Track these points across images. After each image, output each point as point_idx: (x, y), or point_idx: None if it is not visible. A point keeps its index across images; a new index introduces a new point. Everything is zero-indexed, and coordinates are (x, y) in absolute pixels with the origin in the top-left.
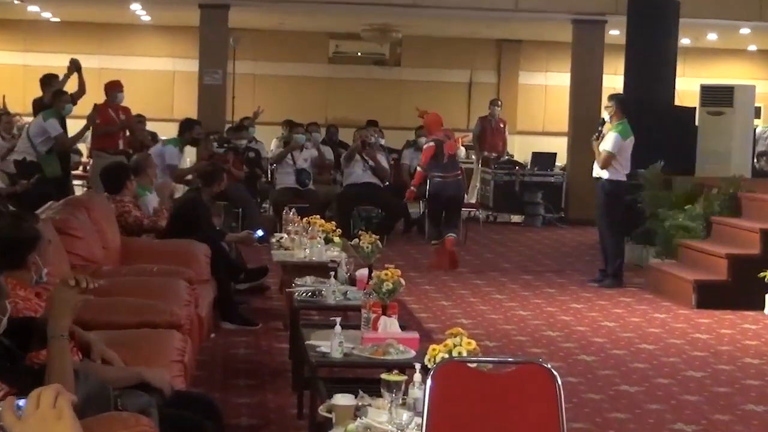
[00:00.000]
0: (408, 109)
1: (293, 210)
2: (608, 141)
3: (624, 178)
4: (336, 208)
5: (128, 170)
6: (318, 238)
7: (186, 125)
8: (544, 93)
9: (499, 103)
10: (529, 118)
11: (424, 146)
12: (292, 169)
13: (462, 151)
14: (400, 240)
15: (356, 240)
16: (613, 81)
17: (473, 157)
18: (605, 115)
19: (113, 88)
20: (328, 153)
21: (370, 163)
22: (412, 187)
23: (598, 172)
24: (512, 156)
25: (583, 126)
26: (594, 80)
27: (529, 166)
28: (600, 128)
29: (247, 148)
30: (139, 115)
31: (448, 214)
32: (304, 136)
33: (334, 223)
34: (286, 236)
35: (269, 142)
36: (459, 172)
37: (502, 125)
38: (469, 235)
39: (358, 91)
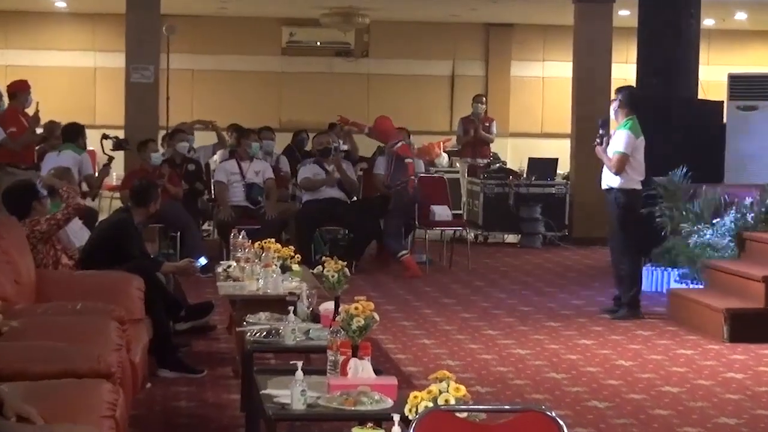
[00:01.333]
0: (378, 109)
1: (243, 233)
2: (619, 140)
3: (639, 186)
4: (294, 229)
5: (34, 189)
6: (273, 267)
7: (72, 131)
8: (542, 87)
9: (483, 99)
10: (525, 118)
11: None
12: (241, 183)
13: (444, 158)
14: (373, 266)
15: (319, 267)
16: (624, 71)
17: (457, 165)
18: (612, 112)
19: (20, 88)
20: (284, 164)
21: (335, 174)
22: None
23: (608, 181)
24: (504, 163)
25: (589, 126)
26: (601, 70)
27: (525, 175)
28: (601, 131)
29: (185, 160)
30: (52, 122)
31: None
32: (257, 144)
33: (292, 247)
34: (235, 264)
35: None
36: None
37: (488, 124)
38: (454, 260)
39: (318, 88)
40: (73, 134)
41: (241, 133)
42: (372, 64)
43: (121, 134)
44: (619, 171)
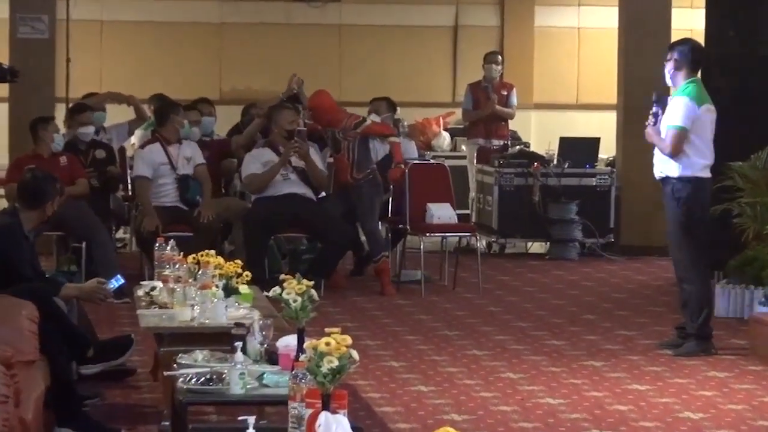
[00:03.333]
0: (354, 72)
1: (171, 242)
2: (675, 111)
3: (706, 174)
4: (243, 237)
5: None
6: (214, 288)
7: None
8: (577, 41)
9: (499, 59)
10: (554, 83)
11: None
12: (172, 177)
13: (445, 138)
14: (349, 287)
15: (276, 289)
16: (689, 19)
17: (464, 148)
18: (666, 75)
19: None
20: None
21: (296, 163)
22: None
23: (663, 167)
24: (527, 145)
25: (642, 94)
26: (658, 17)
27: (555, 162)
28: (654, 107)
29: (93, 144)
30: None
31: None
32: (190, 125)
33: (239, 262)
34: (161, 286)
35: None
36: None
37: (505, 92)
38: (459, 277)
39: (271, 44)
40: None
41: (166, 108)
42: (345, 11)
43: (3, 110)
44: (675, 153)
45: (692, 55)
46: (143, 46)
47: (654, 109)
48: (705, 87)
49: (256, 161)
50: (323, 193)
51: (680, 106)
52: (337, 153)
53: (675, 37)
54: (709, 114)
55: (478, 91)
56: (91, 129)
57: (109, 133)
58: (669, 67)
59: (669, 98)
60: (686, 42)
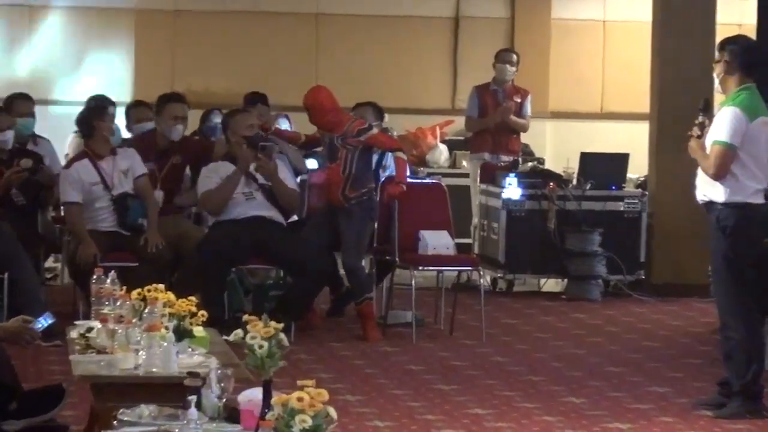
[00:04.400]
0: (332, 72)
1: (111, 274)
2: (722, 124)
3: (759, 200)
4: (197, 268)
5: None
6: (163, 330)
7: None
8: (602, 37)
9: (514, 58)
10: (574, 87)
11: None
12: (107, 198)
13: (443, 152)
14: (325, 330)
15: (238, 332)
16: (737, 11)
17: (465, 164)
18: (715, 79)
19: None
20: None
21: (263, 181)
22: None
23: (706, 190)
24: (541, 161)
25: (681, 102)
26: (700, 9)
27: (575, 182)
28: (700, 117)
29: (17, 152)
30: None
31: None
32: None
33: (193, 298)
34: (99, 327)
35: (62, 139)
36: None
37: (519, 99)
38: (458, 320)
39: (236, 38)
40: None
41: (88, 115)
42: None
43: None
44: (721, 174)
45: (745, 56)
46: (76, 35)
47: (700, 118)
48: (762, 95)
49: (214, 176)
50: (295, 217)
51: (728, 119)
52: (332, 162)
53: (721, 33)
54: (764, 129)
55: (486, 96)
56: (8, 135)
57: (43, 147)
58: (718, 70)
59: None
60: (738, 40)
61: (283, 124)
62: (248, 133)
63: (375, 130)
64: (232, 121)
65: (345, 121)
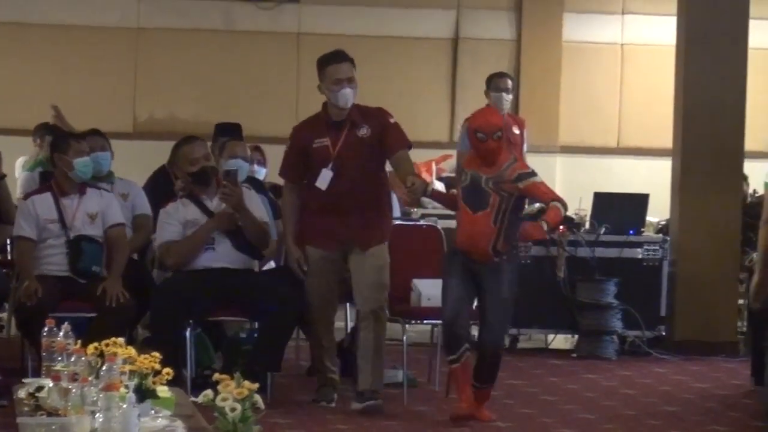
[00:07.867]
0: (316, 98)
1: (65, 325)
2: None
3: None
4: (156, 320)
5: None
6: (122, 390)
7: None
8: (620, 61)
9: (509, 83)
10: (588, 119)
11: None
12: (62, 239)
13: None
14: (305, 389)
15: (208, 393)
16: None
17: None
18: None
19: None
20: (141, 203)
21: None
22: None
23: None
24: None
25: (708, 136)
26: (729, 30)
27: (587, 225)
28: None
29: None
30: None
31: None
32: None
33: (156, 354)
34: (50, 385)
35: (11, 165)
36: None
37: (517, 131)
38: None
39: (206, 60)
40: None
41: (55, 145)
42: (306, 14)
43: None
44: None
45: None
46: (33, 60)
47: None
48: None
49: (173, 221)
50: (272, 264)
51: None
52: (471, 205)
53: (752, 57)
54: None
55: None
56: None
57: None
58: None
59: None
60: None
61: (260, 173)
62: (193, 170)
63: (538, 178)
64: (177, 155)
65: (503, 161)
